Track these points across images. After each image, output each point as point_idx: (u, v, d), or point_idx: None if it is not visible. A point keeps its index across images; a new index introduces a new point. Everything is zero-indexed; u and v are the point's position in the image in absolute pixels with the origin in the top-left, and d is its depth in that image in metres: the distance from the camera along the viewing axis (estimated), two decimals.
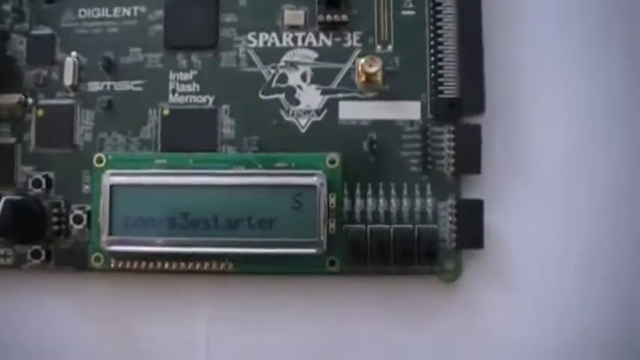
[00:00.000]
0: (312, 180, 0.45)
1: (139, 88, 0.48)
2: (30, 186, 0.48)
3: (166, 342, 0.47)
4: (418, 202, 0.46)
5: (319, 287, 0.47)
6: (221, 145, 0.47)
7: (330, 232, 0.45)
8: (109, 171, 0.46)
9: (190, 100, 0.47)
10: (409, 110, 0.47)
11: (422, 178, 0.46)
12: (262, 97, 0.47)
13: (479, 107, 0.46)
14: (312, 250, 0.44)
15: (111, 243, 0.45)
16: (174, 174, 0.45)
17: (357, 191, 0.46)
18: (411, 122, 0.46)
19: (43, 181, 0.47)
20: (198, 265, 0.45)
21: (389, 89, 0.47)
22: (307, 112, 0.47)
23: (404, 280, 0.46)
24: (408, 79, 0.47)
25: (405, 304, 0.47)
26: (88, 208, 0.47)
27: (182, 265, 0.45)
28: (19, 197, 0.46)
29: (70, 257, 0.47)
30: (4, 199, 0.45)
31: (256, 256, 0.45)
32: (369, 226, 0.45)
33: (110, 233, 0.45)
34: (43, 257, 0.47)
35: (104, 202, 0.45)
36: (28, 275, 0.48)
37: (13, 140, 0.49)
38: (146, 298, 0.47)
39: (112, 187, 0.45)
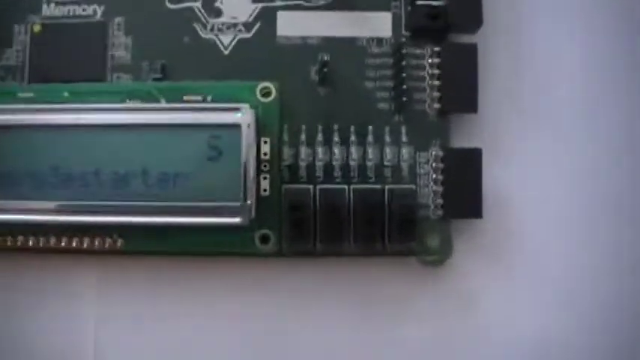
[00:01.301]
0: (236, 118, 0.29)
1: None
2: None
3: (43, 342, 0.32)
4: (389, 152, 0.31)
5: (245, 273, 0.31)
6: (111, 72, 0.32)
7: (261, 194, 0.30)
8: None
9: (71, 12, 0.32)
10: (376, 24, 0.31)
11: (394, 118, 0.31)
12: (170, 5, 0.32)
13: (473, 20, 0.31)
14: (235, 220, 0.29)
15: None
16: (43, 111, 0.30)
17: (302, 136, 0.31)
18: (379, 41, 0.31)
19: None
20: (75, 242, 0.30)
21: None
22: (232, 26, 0.32)
23: (368, 265, 0.31)
24: None
25: (370, 299, 0.31)
26: None
27: (52, 240, 0.30)
28: None
29: None
30: None
31: (154, 228, 0.30)
32: (319, 187, 0.30)
33: None
34: None
35: None
36: None
37: None
38: (3, 288, 0.32)
39: None
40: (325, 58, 0.31)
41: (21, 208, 0.30)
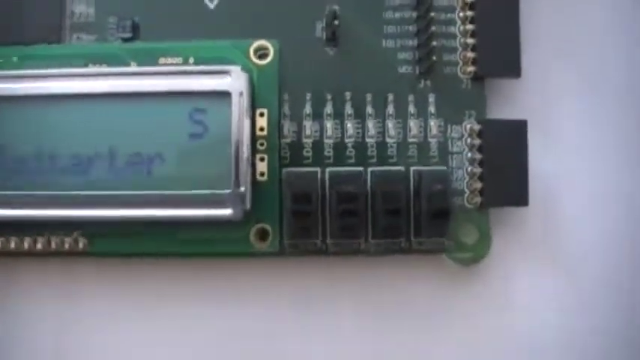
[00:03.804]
0: (224, 83, 0.21)
1: None
2: None
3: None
4: (413, 126, 0.23)
5: (238, 277, 0.23)
6: (70, 32, 0.24)
7: (257, 179, 0.22)
8: None
9: None
10: None
11: (419, 85, 0.23)
12: None
13: None
14: (225, 212, 0.21)
15: None
16: None
17: (307, 108, 0.23)
18: None
19: None
20: (27, 243, 0.22)
21: None
22: None
23: (388, 265, 0.23)
24: None
25: (391, 305, 0.23)
26: None
27: (12, 241, 0.22)
28: None
29: None
30: None
31: (124, 224, 0.22)
32: (328, 170, 0.22)
33: None
34: None
35: None
36: None
37: None
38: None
39: None
40: (334, 9, 0.23)
41: None
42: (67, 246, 0.23)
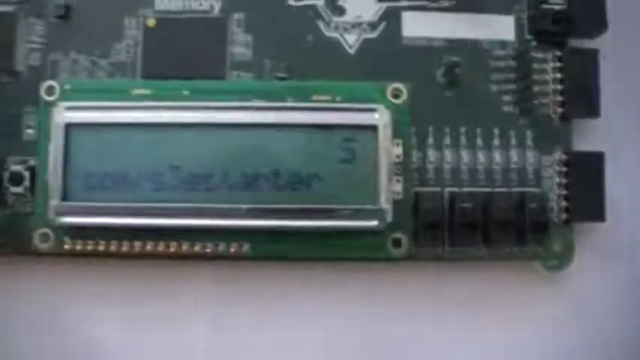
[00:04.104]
0: (372, 118, 0.26)
1: None
2: None
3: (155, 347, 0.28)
4: (514, 155, 0.28)
5: (376, 278, 0.28)
6: (230, 70, 0.28)
7: (394, 197, 0.26)
8: (62, 104, 0.27)
9: (187, 6, 0.28)
10: (499, 27, 0.28)
11: (519, 122, 0.28)
12: (291, 2, 0.28)
13: (597, 24, 0.28)
14: (372, 223, 0.26)
15: (64, 212, 0.26)
16: (161, 108, 0.26)
17: (430, 139, 0.28)
18: (503, 44, 0.28)
19: None
20: (196, 247, 0.26)
21: None
22: (357, 25, 0.28)
23: (491, 268, 0.28)
24: None
25: (491, 302, 0.28)
26: (32, 162, 0.27)
27: (172, 246, 0.26)
28: None
29: (6, 235, 0.27)
30: None
31: (285, 233, 0.26)
32: (448, 190, 0.27)
33: (64, 198, 0.26)
34: None
35: (55, 150, 0.26)
36: None
37: None
38: (116, 296, 0.28)
39: (67, 127, 0.26)
40: (452, 60, 0.28)
41: (138, 211, 0.26)
42: (232, 250, 0.27)
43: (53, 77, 0.28)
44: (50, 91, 0.28)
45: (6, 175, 0.28)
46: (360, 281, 0.28)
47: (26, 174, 0.28)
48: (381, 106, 0.27)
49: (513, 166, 0.28)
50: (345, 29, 0.28)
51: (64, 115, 0.27)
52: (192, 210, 0.26)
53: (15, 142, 0.28)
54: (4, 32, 0.29)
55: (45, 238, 0.27)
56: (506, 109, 0.29)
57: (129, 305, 0.28)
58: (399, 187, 0.27)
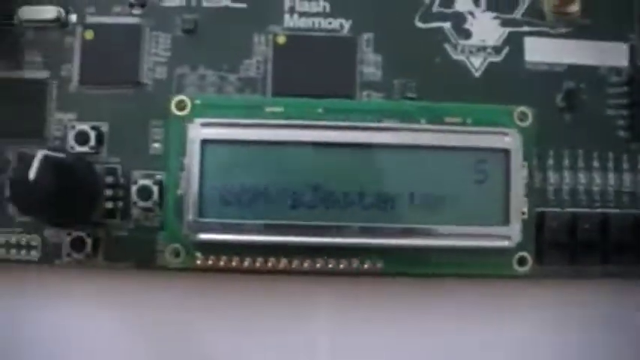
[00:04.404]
0: (504, 141, 0.27)
1: (241, 4, 0.29)
2: (71, 142, 0.28)
3: None
4: (627, 177, 0.28)
5: (501, 295, 0.28)
6: (360, 89, 0.28)
7: (522, 217, 0.27)
8: (198, 120, 0.27)
9: (316, 25, 0.29)
10: (614, 54, 0.29)
11: (631, 145, 0.29)
12: (420, 24, 0.29)
13: None
14: (502, 243, 0.26)
15: (200, 229, 0.26)
16: (298, 127, 0.27)
17: (550, 161, 0.29)
18: (617, 70, 0.29)
19: (92, 135, 0.28)
20: (330, 264, 0.26)
21: (589, 24, 0.29)
22: (482, 49, 0.29)
23: (609, 287, 0.28)
24: (614, 11, 0.29)
25: (614, 320, 0.28)
26: (159, 176, 0.27)
27: (306, 262, 0.26)
28: (61, 155, 0.26)
29: (130, 249, 0.27)
30: (41, 153, 0.25)
31: (418, 251, 0.27)
32: (568, 210, 0.28)
33: (200, 214, 0.26)
34: (88, 249, 0.27)
35: (191, 166, 0.26)
36: (64, 275, 0.28)
37: (45, 75, 0.28)
38: (249, 314, 0.28)
39: (204, 143, 0.26)
40: (571, 85, 0.29)
41: (276, 228, 0.26)
42: (366, 266, 0.27)
43: (180, 91, 0.28)
44: (181, 105, 0.27)
45: (133, 188, 0.28)
46: (484, 297, 0.28)
47: (154, 188, 0.28)
48: (512, 130, 0.27)
49: (625, 189, 0.29)
50: (471, 52, 0.29)
51: (200, 130, 0.27)
52: (330, 228, 0.26)
53: (141, 156, 0.28)
54: (129, 44, 0.28)
55: (176, 253, 0.27)
56: (620, 133, 0.29)
57: (257, 320, 0.28)
58: (525, 208, 0.28)
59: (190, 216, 0.26)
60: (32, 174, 0.24)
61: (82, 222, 0.27)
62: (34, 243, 0.28)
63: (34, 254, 0.28)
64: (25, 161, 0.25)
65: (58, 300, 0.28)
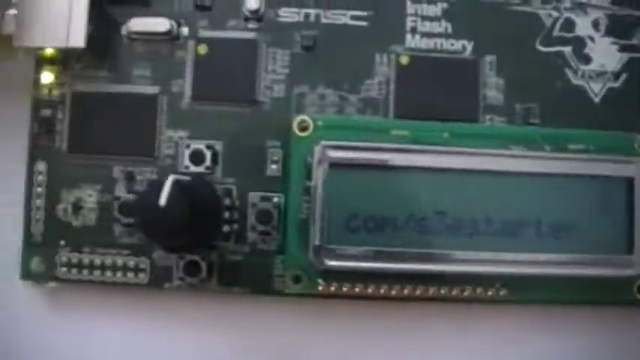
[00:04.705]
0: (629, 170, 0.26)
1: (361, 22, 0.28)
2: (185, 161, 0.26)
3: None
4: None
5: (622, 321, 0.28)
6: (483, 113, 0.28)
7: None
8: (324, 142, 0.26)
9: (438, 46, 0.28)
10: None
11: None
12: (541, 48, 0.28)
13: None
14: (626, 272, 0.26)
15: (327, 255, 0.25)
16: (424, 152, 0.26)
17: None
18: None
19: (207, 154, 0.27)
20: (455, 291, 0.26)
21: None
22: (601, 74, 0.28)
23: None
24: None
25: None
26: (277, 199, 0.26)
27: (431, 290, 0.25)
28: (187, 178, 0.24)
29: (245, 274, 0.26)
30: (172, 177, 0.23)
31: (545, 279, 0.26)
32: None
33: (327, 240, 0.25)
34: (203, 273, 0.26)
35: (317, 189, 0.25)
36: (173, 300, 0.27)
37: (155, 90, 0.27)
38: (366, 340, 0.27)
39: (331, 167, 0.26)
40: None
41: (403, 256, 0.26)
42: (489, 293, 0.26)
43: (299, 111, 0.27)
44: (303, 125, 0.26)
45: (250, 212, 0.26)
46: (605, 326, 0.28)
47: (274, 212, 0.26)
48: (636, 158, 0.27)
49: None
50: (591, 77, 0.28)
51: (327, 153, 0.26)
52: (455, 257, 0.26)
53: (257, 177, 0.27)
54: (245, 60, 0.27)
55: (297, 279, 0.26)
56: None
57: (374, 346, 0.27)
58: None
59: (316, 241, 0.25)
60: (163, 200, 0.24)
61: (206, 247, 0.26)
62: (142, 266, 0.27)
63: (143, 277, 0.27)
64: (152, 187, 0.24)
65: (168, 324, 0.27)
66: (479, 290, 0.27)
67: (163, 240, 0.24)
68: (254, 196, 0.27)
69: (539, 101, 0.28)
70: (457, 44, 0.28)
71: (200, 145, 0.27)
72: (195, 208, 0.24)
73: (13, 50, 0.27)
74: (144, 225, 0.24)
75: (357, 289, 0.26)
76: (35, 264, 0.27)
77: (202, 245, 0.26)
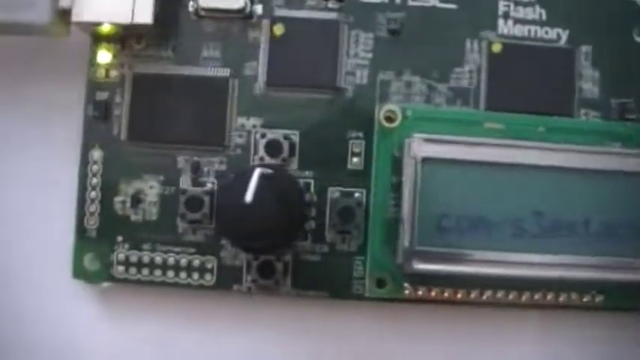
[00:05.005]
0: None
1: (451, 5, 0.25)
2: (260, 152, 0.24)
3: None
4: None
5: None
6: (578, 107, 0.25)
7: None
8: (418, 135, 0.23)
9: (532, 33, 0.25)
10: None
11: None
12: (637, 38, 0.26)
13: None
14: None
15: (417, 258, 0.23)
16: (520, 147, 0.23)
17: None
18: None
19: (285, 145, 0.24)
20: (549, 296, 0.24)
21: None
22: None
23: None
24: None
25: None
26: (358, 194, 0.24)
27: (524, 295, 0.23)
28: (269, 171, 0.22)
29: (323, 276, 0.24)
30: (259, 170, 0.21)
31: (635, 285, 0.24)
32: None
33: (419, 242, 0.23)
34: (278, 275, 0.24)
35: (408, 186, 0.23)
36: (243, 304, 0.25)
37: (225, 73, 0.24)
38: (456, 345, 0.25)
39: (424, 162, 0.23)
40: None
41: (500, 260, 0.23)
42: (585, 300, 0.24)
43: (384, 99, 0.25)
44: (390, 116, 0.24)
45: (329, 208, 0.24)
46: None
47: (356, 209, 0.23)
48: None
49: None
50: None
51: (421, 147, 0.23)
52: (554, 262, 0.24)
53: (337, 171, 0.24)
54: (325, 43, 0.24)
55: (381, 283, 0.24)
56: None
57: (463, 353, 0.25)
58: None
59: (406, 243, 0.23)
60: (249, 196, 0.21)
61: (289, 247, 0.24)
62: (208, 265, 0.24)
63: (209, 278, 0.24)
64: (234, 181, 0.21)
65: (236, 331, 0.24)
66: (574, 296, 0.25)
67: (247, 241, 0.22)
68: (333, 192, 0.24)
69: (636, 96, 0.26)
70: (552, 32, 0.25)
71: (277, 135, 0.24)
72: (283, 205, 0.22)
73: (68, 27, 0.24)
74: (224, 226, 0.21)
75: (445, 294, 0.25)
76: (88, 261, 0.25)
77: (286, 246, 0.23)
